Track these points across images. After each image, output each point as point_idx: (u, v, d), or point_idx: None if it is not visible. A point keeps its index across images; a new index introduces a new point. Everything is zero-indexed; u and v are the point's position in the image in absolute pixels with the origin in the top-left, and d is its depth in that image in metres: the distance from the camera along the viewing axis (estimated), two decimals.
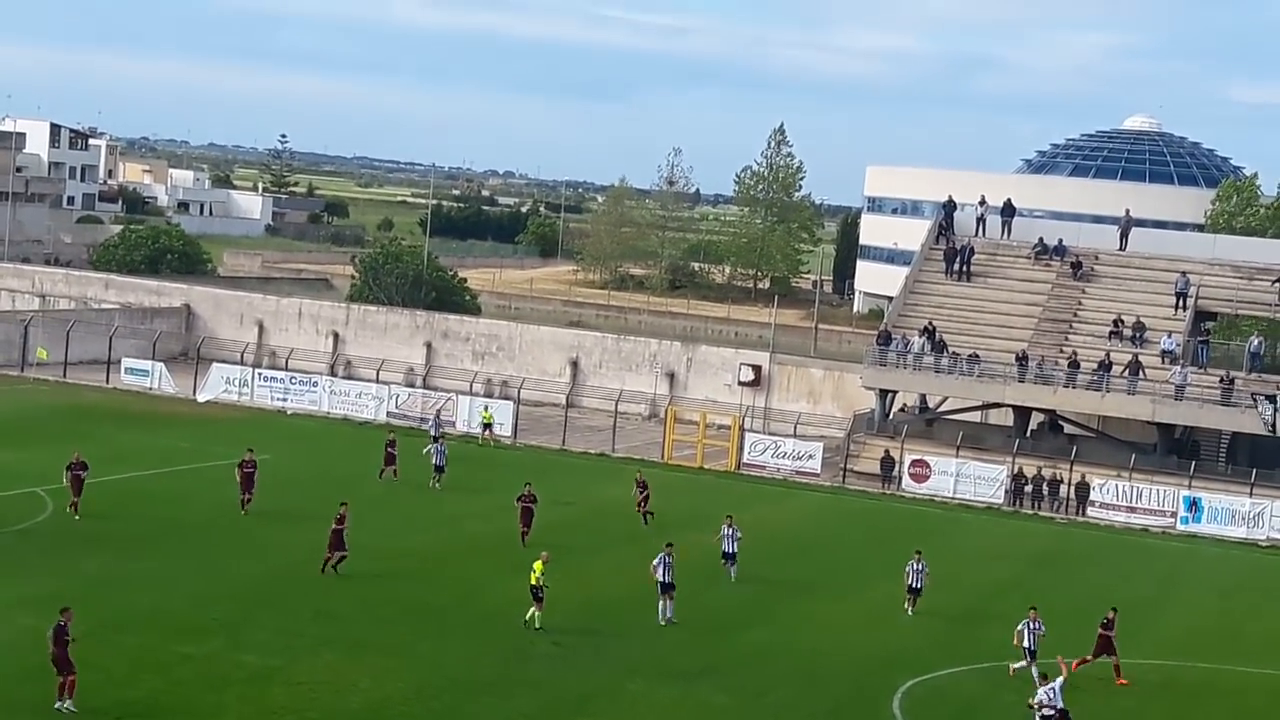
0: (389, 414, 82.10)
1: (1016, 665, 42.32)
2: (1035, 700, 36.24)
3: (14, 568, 45.57)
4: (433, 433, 71.83)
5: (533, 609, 43.50)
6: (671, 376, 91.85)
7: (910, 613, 48.76)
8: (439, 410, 78.55)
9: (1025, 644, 42.66)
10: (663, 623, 44.88)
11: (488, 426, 78.78)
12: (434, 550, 50.52)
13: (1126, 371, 75.50)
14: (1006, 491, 73.57)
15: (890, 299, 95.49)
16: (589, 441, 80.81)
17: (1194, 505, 70.75)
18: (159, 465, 63.48)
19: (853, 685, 40.90)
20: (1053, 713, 35.97)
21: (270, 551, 50.23)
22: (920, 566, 49.05)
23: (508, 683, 38.40)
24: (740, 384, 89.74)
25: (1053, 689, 36.24)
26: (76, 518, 51.52)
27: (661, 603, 45.19)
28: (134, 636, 39.57)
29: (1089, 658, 43.45)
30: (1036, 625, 42.91)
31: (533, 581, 43.52)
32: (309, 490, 60.75)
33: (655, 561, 45.38)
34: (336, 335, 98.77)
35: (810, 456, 76.97)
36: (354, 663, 39.10)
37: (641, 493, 61.69)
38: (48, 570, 45.44)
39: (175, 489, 58.58)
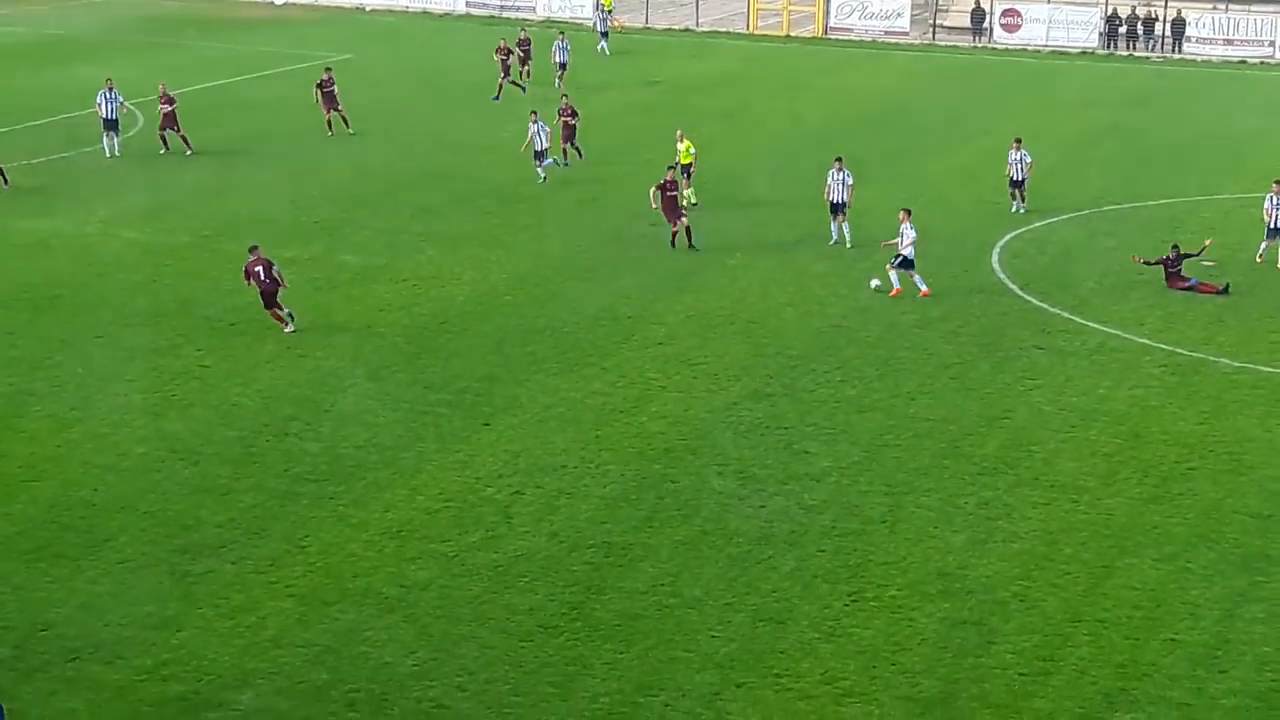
0: (468, 4, 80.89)
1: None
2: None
3: (112, 183, 45.95)
4: (600, 28, 68.69)
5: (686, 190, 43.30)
6: None
7: (1022, 210, 43.23)
8: (600, 3, 74.22)
9: None
10: (844, 244, 40.02)
11: (610, 12, 77.04)
12: (522, 140, 50.25)
13: None
14: (1100, 34, 71.89)
15: None
16: (672, 17, 79.44)
17: None
18: (244, 72, 63.21)
19: (951, 243, 40.78)
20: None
21: (365, 152, 50.23)
22: (1020, 156, 43.25)
23: (609, 265, 38.68)
24: None
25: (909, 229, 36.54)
26: (348, 131, 52.12)
27: (835, 224, 40.34)
28: (237, 243, 39.97)
29: None
30: None
31: (685, 161, 43.32)
32: (396, 88, 60.46)
33: (829, 180, 40.16)
34: None
35: (898, 15, 75.29)
36: (455, 256, 39.46)
37: (507, 58, 59.74)
38: (145, 184, 45.81)
39: (263, 96, 58.45)
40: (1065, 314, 35.35)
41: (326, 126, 52.61)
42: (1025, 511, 25.70)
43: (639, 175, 45.34)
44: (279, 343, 33.06)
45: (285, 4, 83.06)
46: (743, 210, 44.01)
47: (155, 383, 30.92)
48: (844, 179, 40.03)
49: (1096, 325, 34.60)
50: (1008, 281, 37.68)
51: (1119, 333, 34.14)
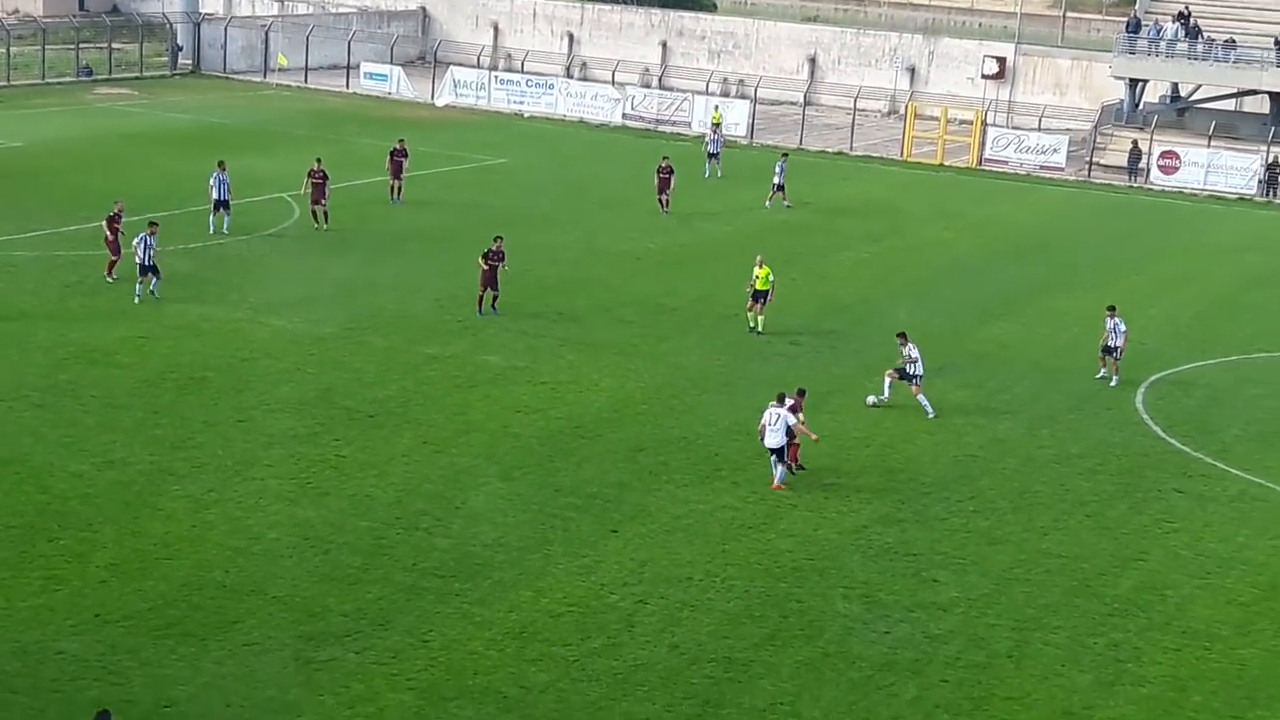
0: (624, 115, 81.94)
1: None
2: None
3: (264, 272, 46.83)
4: (710, 149, 67.67)
5: (756, 314, 43.38)
6: (912, 71, 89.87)
7: (1113, 380, 39.96)
8: (712, 120, 76.40)
9: None
10: (926, 414, 36.89)
11: (717, 126, 77.47)
12: (671, 252, 50.65)
13: None
14: (1260, 181, 71.14)
15: None
16: (826, 140, 79.85)
17: None
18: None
19: (1095, 381, 40.37)
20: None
21: (511, 256, 50.73)
22: (1114, 324, 40.06)
23: (746, 380, 38.68)
24: (983, 77, 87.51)
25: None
26: (322, 227, 52.14)
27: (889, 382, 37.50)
28: (382, 339, 40.64)
29: None
30: None
31: (760, 286, 43.23)
32: (548, 193, 61.22)
33: (905, 353, 37.20)
34: (571, 36, 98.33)
35: (1055, 150, 75.12)
36: (595, 363, 39.72)
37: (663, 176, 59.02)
38: (297, 275, 46.61)
39: (416, 194, 59.31)
40: (1208, 459, 34.78)
41: (311, 218, 52.54)
42: (1155, 656, 25.21)
43: (783, 293, 45.38)
44: (415, 437, 33.41)
45: (446, 106, 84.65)
46: (884, 335, 43.77)
47: (292, 469, 31.34)
48: (908, 353, 37.14)
49: (1239, 472, 34.00)
50: (1150, 423, 37.19)
51: (1262, 481, 33.51)
